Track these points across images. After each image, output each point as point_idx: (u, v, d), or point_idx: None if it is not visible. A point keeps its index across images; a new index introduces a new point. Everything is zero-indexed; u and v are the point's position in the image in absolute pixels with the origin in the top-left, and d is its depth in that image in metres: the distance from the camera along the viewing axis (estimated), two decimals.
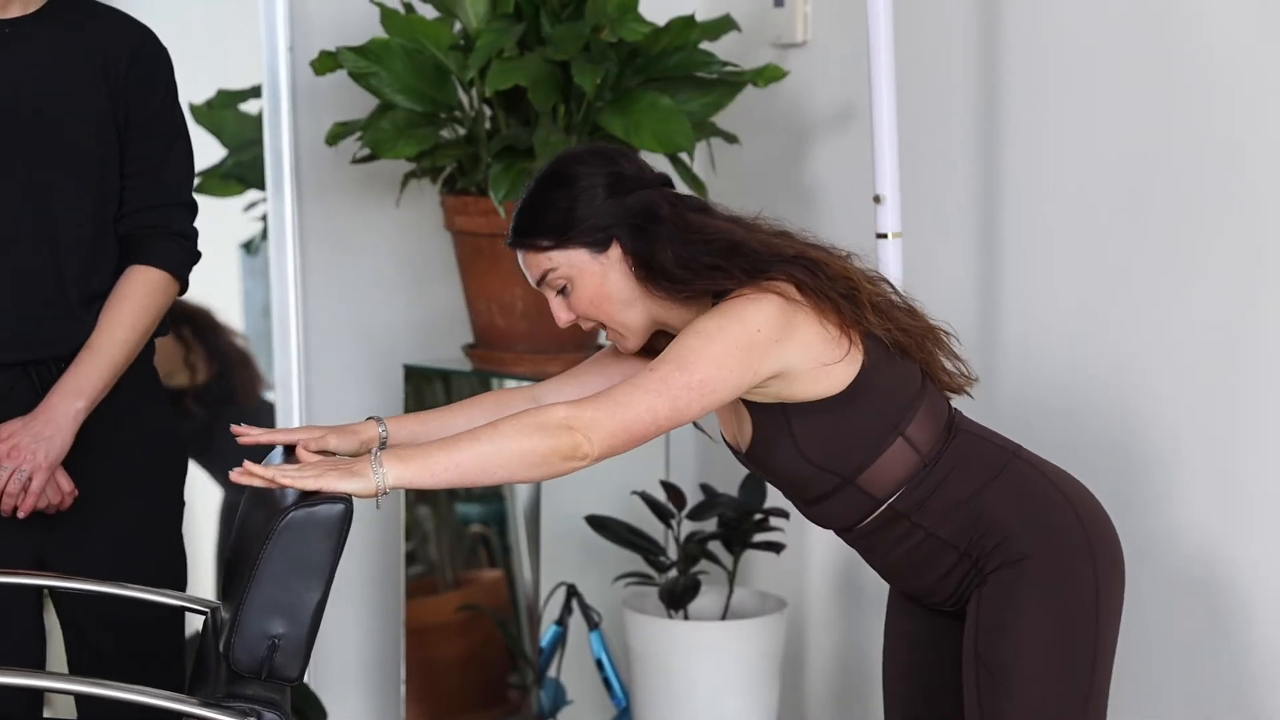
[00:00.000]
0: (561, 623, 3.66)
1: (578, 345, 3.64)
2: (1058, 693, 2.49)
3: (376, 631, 3.97)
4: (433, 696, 3.87)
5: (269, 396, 4.06)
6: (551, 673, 3.69)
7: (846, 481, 2.55)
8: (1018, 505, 2.53)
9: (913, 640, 2.70)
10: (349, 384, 3.89)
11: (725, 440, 2.65)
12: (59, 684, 2.58)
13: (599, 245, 2.54)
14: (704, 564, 3.51)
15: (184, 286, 2.95)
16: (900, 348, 2.55)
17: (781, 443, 2.55)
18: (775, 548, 3.41)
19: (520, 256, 2.58)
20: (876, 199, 3.12)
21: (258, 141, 3.95)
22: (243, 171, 4.10)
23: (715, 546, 3.50)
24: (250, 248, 4.23)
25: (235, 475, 2.39)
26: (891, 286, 2.63)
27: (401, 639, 3.82)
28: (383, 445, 2.59)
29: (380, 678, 3.97)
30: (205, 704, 2.32)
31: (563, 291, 2.57)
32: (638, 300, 2.56)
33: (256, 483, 2.38)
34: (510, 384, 3.63)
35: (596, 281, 2.55)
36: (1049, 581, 2.49)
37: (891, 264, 3.13)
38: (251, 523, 2.47)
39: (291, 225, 3.86)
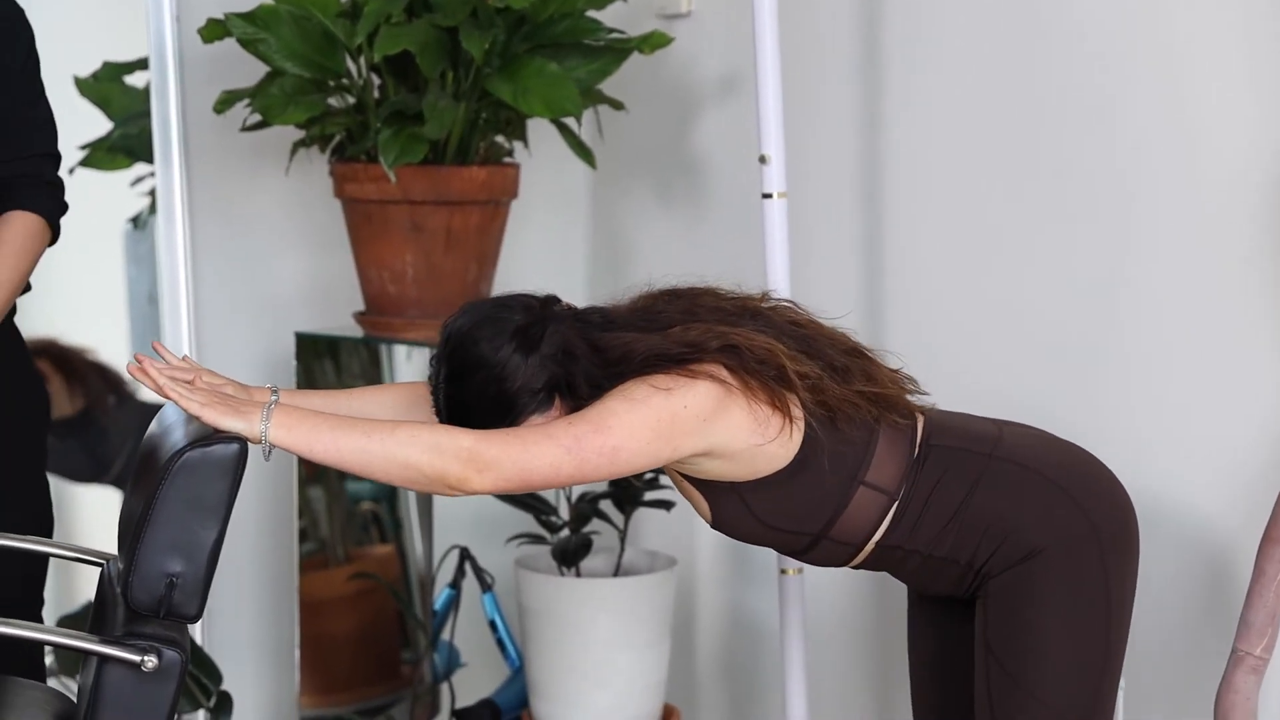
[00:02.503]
0: (455, 585, 3.70)
1: None
2: (1069, 679, 2.50)
3: (270, 608, 3.99)
4: (326, 670, 3.89)
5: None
6: (445, 636, 3.72)
7: (819, 537, 2.56)
8: (1010, 505, 2.52)
9: (934, 626, 2.72)
10: (241, 353, 3.91)
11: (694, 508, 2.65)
12: None
13: (545, 405, 2.49)
14: (595, 524, 3.55)
15: (56, 235, 2.99)
16: (839, 413, 2.52)
17: (741, 516, 2.55)
18: (666, 505, 3.46)
19: None
20: (762, 159, 3.18)
21: (145, 114, 3.95)
22: (130, 144, 4.10)
23: (606, 506, 3.54)
24: (138, 222, 4.23)
25: (131, 368, 2.40)
26: (804, 312, 2.61)
27: (295, 614, 3.84)
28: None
29: (275, 652, 3.99)
30: (105, 641, 2.34)
31: None
32: None
33: (146, 381, 2.40)
34: (400, 350, 3.66)
35: None
36: (1056, 572, 2.49)
37: (777, 222, 3.18)
38: (146, 465, 2.49)
39: (180, 196, 3.87)
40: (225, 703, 3.55)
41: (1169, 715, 2.82)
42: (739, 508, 2.54)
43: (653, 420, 2.43)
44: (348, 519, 3.94)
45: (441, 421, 2.52)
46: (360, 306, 3.79)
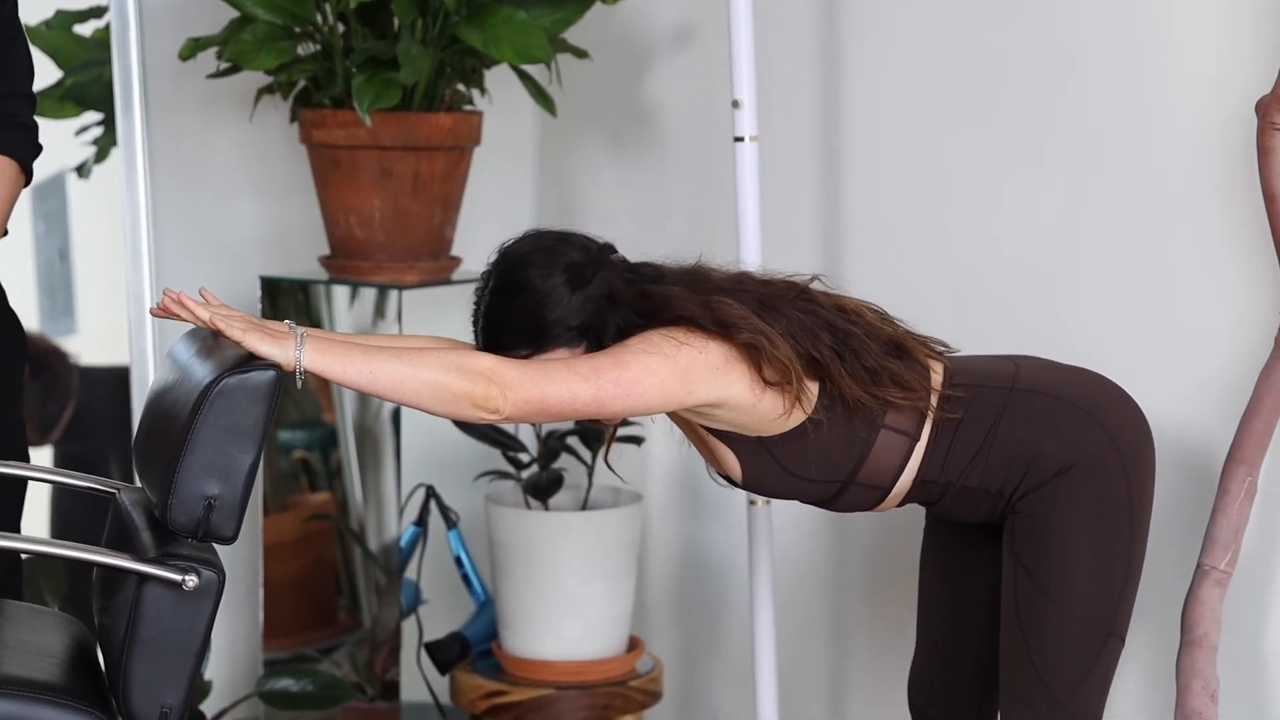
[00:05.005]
0: (420, 523, 3.78)
1: (434, 254, 3.75)
2: (1094, 588, 2.61)
3: (227, 551, 4.04)
4: (283, 613, 3.96)
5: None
6: (410, 575, 3.80)
7: (847, 483, 2.67)
8: (1034, 431, 2.63)
9: (951, 542, 2.83)
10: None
11: (720, 475, 2.74)
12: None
13: (574, 343, 2.60)
14: (563, 460, 3.65)
15: (29, 178, 3.01)
16: (854, 410, 2.62)
17: (769, 469, 2.65)
18: (636, 441, 3.56)
19: None
20: (735, 104, 3.28)
21: (96, 63, 3.98)
22: (81, 93, 4.12)
23: (574, 443, 3.64)
24: (82, 170, 4.26)
25: (163, 305, 2.46)
26: (852, 300, 2.70)
27: (259, 557, 3.90)
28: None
29: (236, 595, 4.06)
30: (148, 560, 2.41)
31: None
32: None
33: (182, 315, 2.46)
34: (368, 292, 3.73)
35: None
36: (1083, 487, 2.60)
37: (749, 166, 3.29)
38: (168, 399, 2.55)
39: (141, 144, 3.91)
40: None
41: (1138, 625, 2.97)
42: (767, 461, 2.65)
43: (669, 361, 2.55)
44: (281, 468, 4.00)
45: (475, 333, 2.63)
46: (323, 251, 3.85)
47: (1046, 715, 2.64)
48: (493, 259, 2.66)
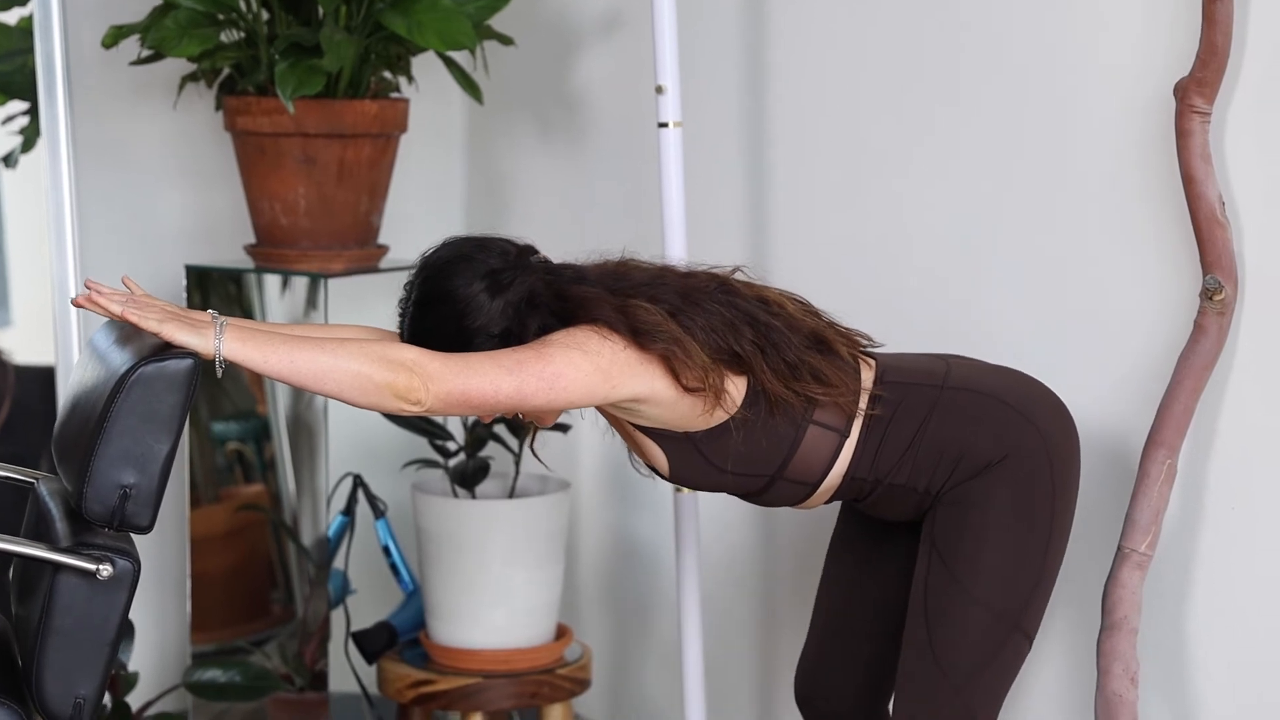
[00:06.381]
0: (348, 512, 3.76)
1: (360, 241, 3.74)
2: (1005, 580, 2.61)
3: (156, 544, 4.03)
4: (212, 605, 3.94)
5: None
6: (338, 565, 3.79)
7: (774, 478, 2.67)
8: (964, 428, 2.64)
9: (865, 534, 2.83)
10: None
11: (645, 466, 2.74)
12: None
13: (496, 348, 2.58)
14: (490, 449, 3.64)
15: None
16: (776, 405, 2.63)
17: (696, 464, 2.66)
18: (563, 429, 3.55)
19: None
20: (659, 89, 3.28)
21: (19, 51, 3.95)
22: (5, 82, 4.09)
23: (501, 431, 3.63)
24: (9, 160, 4.23)
25: (80, 299, 2.45)
26: (775, 291, 2.70)
27: (187, 550, 3.89)
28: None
29: (163, 588, 4.04)
30: (60, 550, 2.40)
31: None
32: None
33: (97, 309, 2.45)
34: (300, 281, 3.71)
35: None
36: (1009, 480, 2.61)
37: (673, 151, 3.29)
38: (86, 388, 2.54)
39: (65, 132, 3.88)
40: (127, 629, 3.59)
41: (1058, 607, 2.98)
42: (694, 456, 2.65)
43: (593, 356, 2.55)
44: (214, 460, 3.98)
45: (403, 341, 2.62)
46: (249, 239, 3.83)
47: (938, 705, 2.63)
48: (414, 270, 2.67)
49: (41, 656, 2.39)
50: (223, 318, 2.48)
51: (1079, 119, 3.03)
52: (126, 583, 2.42)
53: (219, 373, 2.45)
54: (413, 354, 2.50)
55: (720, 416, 2.63)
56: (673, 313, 2.61)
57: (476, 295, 2.58)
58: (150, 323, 2.42)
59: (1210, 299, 2.79)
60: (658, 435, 2.66)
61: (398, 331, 2.66)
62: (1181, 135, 2.79)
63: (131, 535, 2.48)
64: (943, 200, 3.26)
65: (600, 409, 2.70)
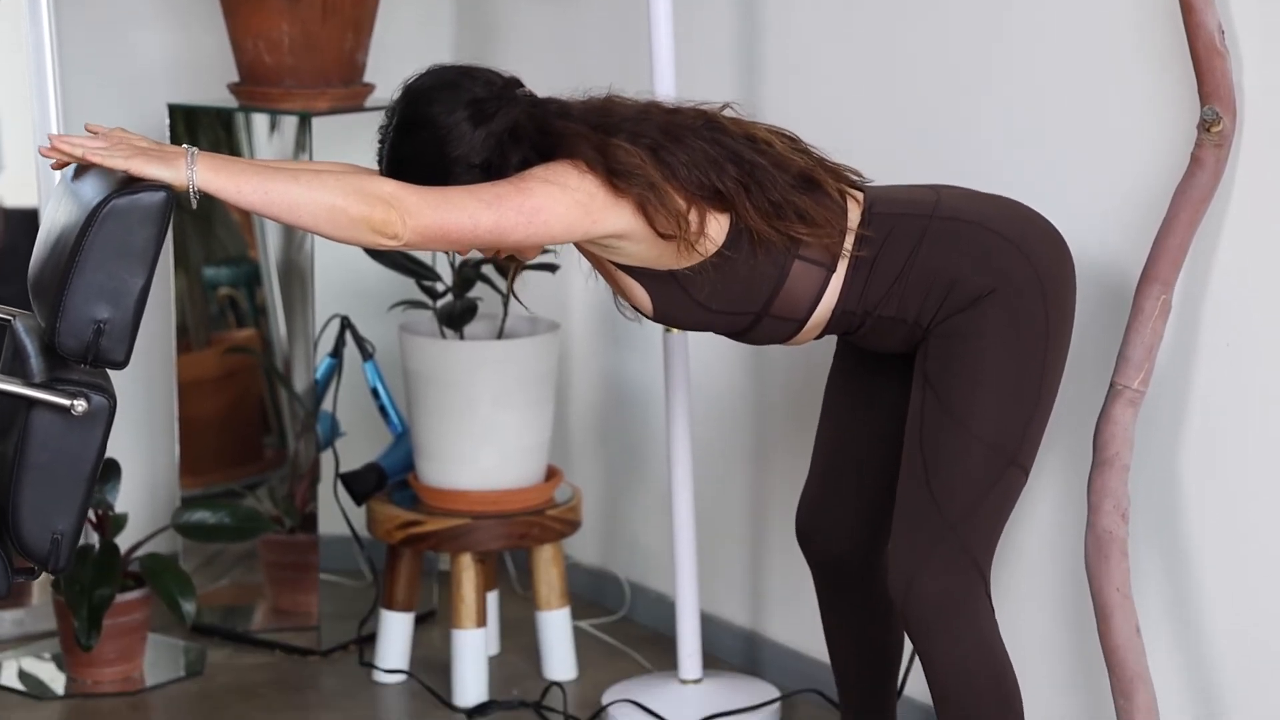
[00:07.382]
0: (336, 354, 3.73)
1: (345, 80, 3.68)
2: (1000, 413, 2.58)
3: (145, 390, 4.01)
4: (202, 449, 3.93)
5: None
6: (326, 407, 3.76)
7: (760, 315, 2.63)
8: (954, 257, 2.60)
9: (861, 366, 2.80)
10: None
11: (636, 311, 2.70)
12: None
13: (476, 180, 2.53)
14: (478, 290, 3.60)
15: None
16: (759, 243, 2.58)
17: (680, 302, 2.61)
18: (550, 268, 3.51)
19: None
20: None
21: None
22: None
23: (489, 271, 3.59)
24: None
25: (44, 150, 2.41)
26: (763, 129, 2.64)
27: (174, 394, 3.87)
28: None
29: (153, 431, 4.02)
30: (34, 385, 2.37)
31: None
32: None
33: (62, 156, 2.40)
34: (289, 121, 3.65)
35: None
36: (1000, 312, 2.57)
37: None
38: (61, 222, 2.50)
39: None
40: (112, 469, 3.57)
41: (1051, 444, 2.96)
42: (678, 294, 2.61)
43: (572, 189, 2.51)
44: (206, 305, 3.95)
45: (379, 170, 2.57)
46: (233, 78, 3.77)
47: (934, 539, 2.61)
48: (396, 95, 2.61)
49: (18, 493, 2.37)
50: (194, 149, 2.44)
51: None
52: (102, 419, 2.39)
53: (193, 204, 2.41)
54: (390, 187, 2.45)
55: (703, 253, 2.58)
56: (654, 148, 2.56)
57: (459, 123, 2.53)
58: (117, 160, 2.38)
59: (1208, 130, 2.73)
60: (640, 274, 2.62)
61: (377, 162, 2.61)
62: None
63: (109, 372, 2.45)
64: (936, 29, 3.20)
65: (581, 249, 2.66)
